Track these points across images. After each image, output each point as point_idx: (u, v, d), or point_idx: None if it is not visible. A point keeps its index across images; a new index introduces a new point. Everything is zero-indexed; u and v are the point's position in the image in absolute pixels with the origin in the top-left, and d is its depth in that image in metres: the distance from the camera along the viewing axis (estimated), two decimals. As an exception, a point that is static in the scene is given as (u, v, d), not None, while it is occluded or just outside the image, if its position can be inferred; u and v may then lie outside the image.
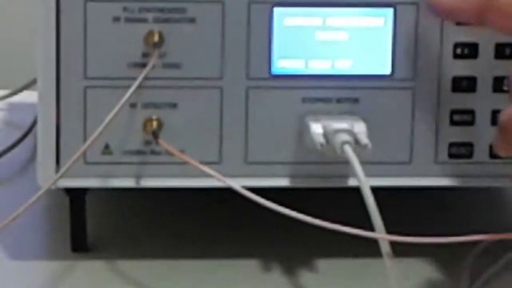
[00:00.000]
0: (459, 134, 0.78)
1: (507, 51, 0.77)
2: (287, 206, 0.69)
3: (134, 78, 0.74)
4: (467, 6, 0.73)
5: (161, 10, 0.74)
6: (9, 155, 0.95)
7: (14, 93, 1.06)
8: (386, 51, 0.77)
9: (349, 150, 0.72)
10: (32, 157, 0.81)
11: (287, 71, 0.76)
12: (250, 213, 0.71)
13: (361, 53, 0.77)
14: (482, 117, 0.78)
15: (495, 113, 0.78)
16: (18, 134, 0.97)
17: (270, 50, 0.76)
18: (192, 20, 0.75)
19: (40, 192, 0.72)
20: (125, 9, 0.74)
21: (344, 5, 0.76)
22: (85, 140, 0.74)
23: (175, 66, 0.75)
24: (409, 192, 0.78)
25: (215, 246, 0.81)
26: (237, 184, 0.72)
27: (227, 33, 0.75)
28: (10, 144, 0.96)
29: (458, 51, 0.77)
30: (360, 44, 0.76)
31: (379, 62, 0.77)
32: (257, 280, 0.78)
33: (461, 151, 0.78)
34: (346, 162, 0.72)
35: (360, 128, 0.74)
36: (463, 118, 0.78)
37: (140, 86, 0.74)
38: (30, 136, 0.95)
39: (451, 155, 0.78)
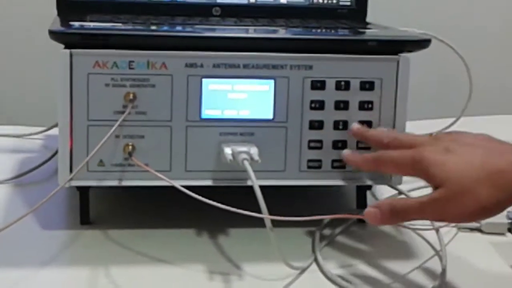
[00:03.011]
0: (313, 154, 0.77)
1: (342, 105, 0.77)
2: (209, 198, 0.68)
3: (117, 120, 0.73)
4: (365, 164, 0.73)
5: (134, 79, 0.73)
6: (44, 166, 0.93)
7: (48, 129, 1.03)
8: (270, 104, 0.76)
9: (247, 164, 0.72)
10: (57, 168, 0.80)
11: (210, 117, 0.75)
12: (187, 202, 0.71)
13: (255, 106, 0.76)
14: (327, 144, 0.77)
15: (335, 142, 0.77)
16: (49, 154, 0.94)
17: (200, 104, 0.75)
18: (153, 86, 0.74)
19: (59, 187, 0.71)
20: (112, 79, 0.73)
21: (244, 77, 0.75)
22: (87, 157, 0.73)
23: (143, 113, 0.74)
24: (283, 188, 0.78)
25: (169, 221, 0.80)
26: (179, 184, 0.71)
27: (174, 94, 0.74)
28: (45, 160, 0.94)
29: (313, 105, 0.76)
30: (255, 100, 0.76)
31: (266, 111, 0.76)
32: (192, 239, 0.77)
33: (314, 165, 0.78)
34: (245, 171, 0.71)
35: (254, 150, 0.74)
36: (316, 145, 0.77)
37: (120, 125, 0.73)
38: (57, 155, 0.92)
39: (309, 167, 0.78)
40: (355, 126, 0.77)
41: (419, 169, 0.67)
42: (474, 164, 0.65)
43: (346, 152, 0.76)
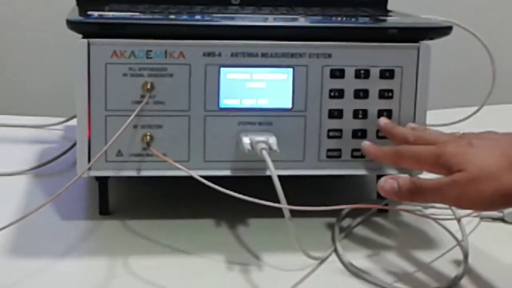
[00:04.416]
0: (333, 144, 0.77)
1: (361, 94, 0.76)
2: (228, 188, 0.68)
3: (135, 110, 0.72)
4: (385, 158, 0.73)
5: (152, 69, 0.73)
6: (63, 157, 0.94)
7: (68, 119, 1.04)
8: (289, 93, 0.75)
9: (265, 153, 0.71)
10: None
11: (229, 106, 0.75)
12: (206, 192, 0.70)
13: (274, 95, 0.75)
14: (347, 134, 0.77)
15: (354, 131, 0.77)
16: (69, 145, 0.95)
17: (218, 93, 0.75)
18: (171, 75, 0.74)
19: (76, 177, 0.71)
20: (130, 68, 0.73)
21: (263, 66, 0.75)
22: (105, 147, 0.73)
23: (161, 103, 0.74)
24: (302, 178, 0.77)
25: (188, 211, 0.80)
26: (198, 174, 0.70)
27: (192, 83, 0.74)
28: (64, 150, 0.94)
29: (332, 94, 0.76)
30: (273, 89, 0.75)
31: (285, 100, 0.76)
32: (211, 229, 0.77)
33: (334, 154, 0.77)
34: (264, 161, 0.71)
35: (272, 140, 0.73)
36: (335, 134, 0.77)
37: (138, 115, 0.73)
38: (76, 146, 0.93)
39: (328, 156, 0.77)
40: (382, 121, 0.76)
41: (440, 164, 0.66)
42: (494, 152, 0.64)
43: (365, 144, 0.75)
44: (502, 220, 0.81)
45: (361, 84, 0.76)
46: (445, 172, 0.66)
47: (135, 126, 0.74)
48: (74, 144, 0.92)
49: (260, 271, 0.70)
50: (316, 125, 0.77)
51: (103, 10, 0.82)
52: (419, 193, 0.66)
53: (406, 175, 0.68)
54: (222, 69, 0.74)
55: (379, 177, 0.81)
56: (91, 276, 0.69)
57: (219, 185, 0.68)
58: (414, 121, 0.77)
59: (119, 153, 0.74)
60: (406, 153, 0.70)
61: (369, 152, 0.75)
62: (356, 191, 0.86)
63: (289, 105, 0.76)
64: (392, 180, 0.67)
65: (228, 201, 0.70)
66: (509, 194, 0.63)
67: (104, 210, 0.79)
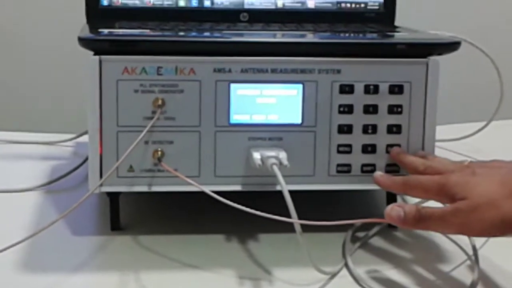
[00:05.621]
0: (342, 159, 0.77)
1: (371, 109, 0.76)
2: (238, 203, 0.68)
3: (146, 126, 0.73)
4: (394, 187, 0.74)
5: (162, 85, 0.74)
6: (74, 173, 0.94)
7: (79, 136, 1.05)
8: (299, 109, 0.76)
9: (276, 168, 0.72)
10: (87, 175, 0.80)
11: (239, 122, 0.75)
12: (217, 207, 0.71)
13: (284, 110, 0.76)
14: (356, 149, 0.77)
15: (364, 146, 0.77)
16: (80, 161, 0.95)
17: (229, 109, 0.75)
18: (182, 91, 0.74)
19: (89, 193, 0.71)
20: (141, 85, 0.73)
21: (273, 82, 0.75)
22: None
23: (172, 118, 0.74)
24: (313, 193, 0.77)
25: (199, 226, 0.80)
26: (209, 189, 0.71)
27: (203, 99, 0.74)
28: (75, 166, 0.94)
29: (341, 109, 0.76)
30: (283, 105, 0.76)
31: (295, 116, 0.76)
32: (222, 245, 0.77)
33: (344, 169, 0.77)
34: (274, 176, 0.71)
35: (283, 155, 0.74)
36: (345, 149, 0.77)
37: (149, 131, 0.73)
38: (87, 162, 0.93)
39: (338, 171, 0.77)
40: (394, 150, 0.78)
41: (444, 193, 0.68)
42: (495, 180, 0.66)
43: (377, 174, 0.76)
44: (512, 234, 0.81)
45: (370, 99, 0.77)
46: (449, 200, 0.67)
47: (146, 142, 0.74)
48: (85, 160, 0.94)
49: (271, 285, 0.70)
50: (326, 140, 0.77)
51: (114, 27, 0.83)
52: (424, 221, 0.67)
53: (413, 204, 0.69)
54: (232, 85, 0.75)
55: (388, 192, 0.82)
56: (103, 291, 0.69)
57: (229, 200, 0.69)
58: (423, 136, 0.78)
59: (131, 169, 0.75)
60: (413, 183, 0.72)
61: (380, 182, 0.76)
62: (366, 205, 0.86)
63: (299, 121, 0.76)
64: (398, 208, 0.68)
65: (239, 216, 0.70)
66: (510, 221, 0.64)
67: (116, 225, 0.79)
